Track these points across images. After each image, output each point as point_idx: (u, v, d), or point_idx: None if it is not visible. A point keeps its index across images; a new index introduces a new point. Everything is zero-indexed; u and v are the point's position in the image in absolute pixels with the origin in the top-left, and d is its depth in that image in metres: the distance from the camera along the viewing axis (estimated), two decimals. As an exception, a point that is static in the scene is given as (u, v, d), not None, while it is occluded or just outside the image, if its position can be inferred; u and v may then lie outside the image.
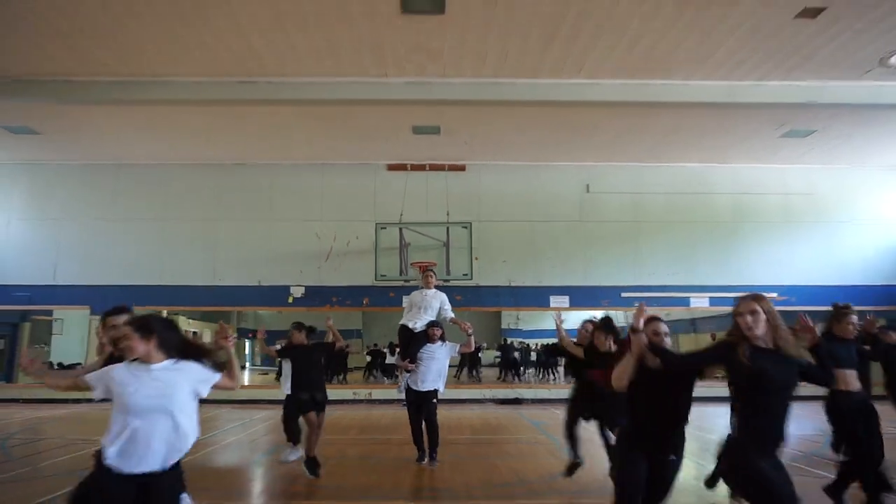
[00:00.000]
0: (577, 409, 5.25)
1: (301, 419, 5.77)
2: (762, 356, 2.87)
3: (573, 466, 5.19)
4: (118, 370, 2.80)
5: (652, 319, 3.36)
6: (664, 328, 3.31)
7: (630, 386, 3.16)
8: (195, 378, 2.86)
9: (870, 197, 13.23)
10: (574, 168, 13.05)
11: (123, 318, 3.26)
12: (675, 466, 3.20)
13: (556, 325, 5.73)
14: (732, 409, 2.93)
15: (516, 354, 17.90)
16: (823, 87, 9.05)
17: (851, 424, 4.45)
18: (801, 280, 12.77)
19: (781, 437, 2.89)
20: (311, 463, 5.60)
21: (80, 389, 2.89)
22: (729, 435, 2.92)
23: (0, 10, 7.05)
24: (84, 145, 12.02)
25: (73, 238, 12.69)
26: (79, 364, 16.24)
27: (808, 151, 12.37)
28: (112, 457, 2.65)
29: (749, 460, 2.82)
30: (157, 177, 12.88)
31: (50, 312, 15.24)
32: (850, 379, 4.50)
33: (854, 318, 4.59)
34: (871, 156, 12.63)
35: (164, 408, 2.72)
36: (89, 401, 11.56)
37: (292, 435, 5.72)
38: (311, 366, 5.89)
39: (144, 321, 2.86)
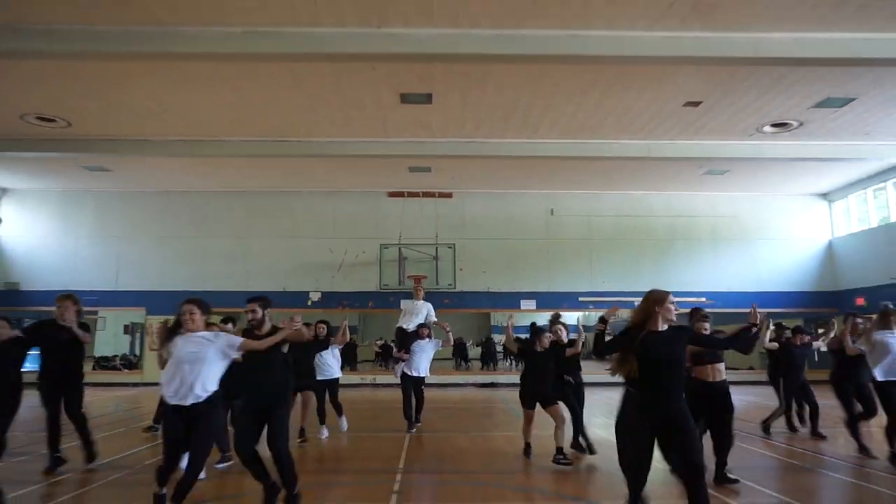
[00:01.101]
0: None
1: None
2: (654, 338, 3.55)
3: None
4: (179, 338, 4.08)
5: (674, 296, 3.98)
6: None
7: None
8: (224, 344, 4.08)
9: (781, 219, 16.16)
10: (540, 196, 15.95)
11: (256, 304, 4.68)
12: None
13: (507, 328, 6.81)
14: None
15: (500, 348, 20.98)
16: (721, 144, 11.95)
17: (705, 408, 5.27)
18: (725, 287, 15.70)
19: (667, 404, 3.50)
20: (302, 432, 7.21)
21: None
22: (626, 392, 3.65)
23: (104, 93, 9.76)
24: (141, 177, 14.85)
25: (131, 252, 15.54)
26: (116, 356, 19.18)
27: (730, 182, 15.26)
28: (168, 395, 3.98)
29: (629, 420, 3.55)
30: (199, 202, 15.74)
31: (95, 312, 18.06)
32: (710, 371, 5.37)
33: (707, 323, 5.49)
34: (780, 185, 15.56)
35: (196, 360, 3.95)
36: (137, 384, 14.34)
37: (322, 417, 7.70)
38: (307, 357, 7.11)
39: (202, 302, 4.20)
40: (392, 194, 15.89)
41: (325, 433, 7.69)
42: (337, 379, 7.89)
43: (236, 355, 4.16)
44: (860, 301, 14.78)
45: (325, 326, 7.51)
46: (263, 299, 4.85)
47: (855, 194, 15.48)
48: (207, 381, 4.00)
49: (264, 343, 4.30)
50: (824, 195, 16.29)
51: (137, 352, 20.75)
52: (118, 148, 11.73)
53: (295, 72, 9.00)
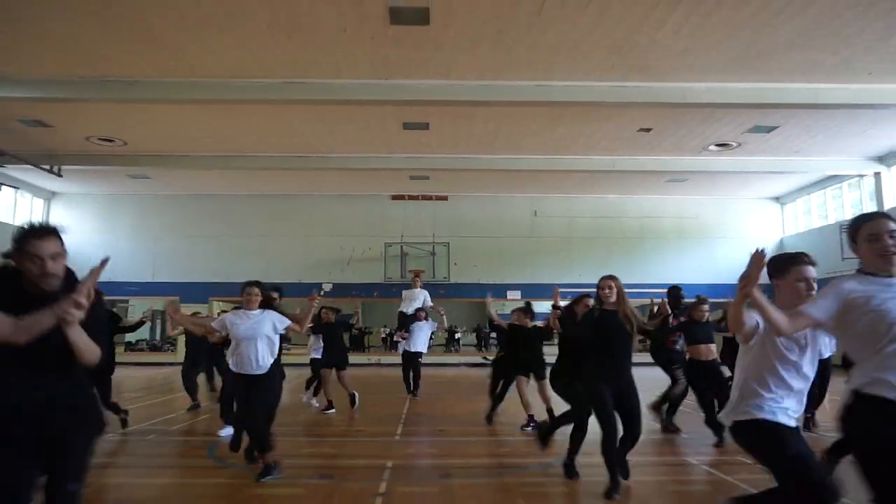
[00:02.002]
0: (500, 370, 7.51)
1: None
2: (608, 316, 4.08)
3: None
4: (231, 315, 4.63)
5: (583, 297, 5.08)
6: (591, 302, 4.80)
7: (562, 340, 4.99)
8: (274, 320, 4.59)
9: (739, 220, 18.27)
10: (526, 199, 18.05)
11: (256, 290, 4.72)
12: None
13: (487, 307, 7.48)
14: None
15: (493, 333, 23.34)
16: (675, 160, 14.02)
17: (702, 384, 5.69)
18: (688, 280, 17.65)
19: (621, 369, 4.06)
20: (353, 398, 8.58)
21: (207, 332, 5.08)
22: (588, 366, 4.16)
23: (156, 120, 11.75)
24: (175, 182, 16.93)
25: (166, 248, 17.67)
26: (143, 340, 21.32)
27: (692, 188, 17.34)
28: (233, 366, 4.63)
29: (594, 383, 4.05)
30: (227, 204, 17.85)
31: (126, 301, 20.17)
32: (704, 350, 5.77)
33: (706, 306, 5.99)
34: (737, 191, 17.65)
35: (255, 336, 4.49)
36: (170, 363, 16.49)
37: (309, 384, 8.86)
38: (336, 338, 8.31)
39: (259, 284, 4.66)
40: (394, 197, 17.98)
41: (307, 399, 8.74)
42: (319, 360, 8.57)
43: (283, 331, 4.71)
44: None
45: (331, 313, 8.28)
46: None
47: (802, 199, 17.56)
48: (265, 353, 4.56)
49: (305, 323, 4.93)
50: (777, 199, 18.39)
51: (158, 336, 22.98)
52: (162, 162, 13.83)
53: (316, 106, 11.05)
